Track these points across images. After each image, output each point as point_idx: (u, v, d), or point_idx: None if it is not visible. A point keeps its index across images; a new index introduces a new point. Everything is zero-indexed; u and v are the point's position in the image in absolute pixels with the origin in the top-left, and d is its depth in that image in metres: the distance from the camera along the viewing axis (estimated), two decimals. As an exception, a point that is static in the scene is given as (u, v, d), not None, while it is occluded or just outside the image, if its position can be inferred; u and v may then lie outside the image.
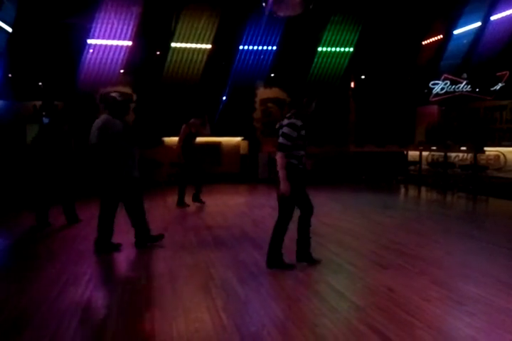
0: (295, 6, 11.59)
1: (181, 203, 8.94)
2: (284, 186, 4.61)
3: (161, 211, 8.57)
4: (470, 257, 5.30)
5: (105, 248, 5.61)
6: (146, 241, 5.83)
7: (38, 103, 13.05)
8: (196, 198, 9.13)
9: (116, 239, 5.72)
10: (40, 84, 13.23)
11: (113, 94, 5.86)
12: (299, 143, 4.70)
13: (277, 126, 4.86)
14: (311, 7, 11.83)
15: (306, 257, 4.99)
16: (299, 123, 4.68)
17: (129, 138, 5.63)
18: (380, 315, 3.59)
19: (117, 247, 5.69)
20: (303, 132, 4.72)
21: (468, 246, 5.78)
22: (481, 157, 11.56)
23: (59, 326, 3.42)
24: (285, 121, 4.71)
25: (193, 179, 9.03)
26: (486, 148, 11.15)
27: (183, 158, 8.79)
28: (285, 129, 4.64)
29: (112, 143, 5.48)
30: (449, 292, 4.10)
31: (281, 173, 4.63)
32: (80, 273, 4.72)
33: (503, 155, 11.67)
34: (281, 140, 4.65)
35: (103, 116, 5.61)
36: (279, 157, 4.66)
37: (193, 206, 9.01)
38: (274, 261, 4.83)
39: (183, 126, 8.80)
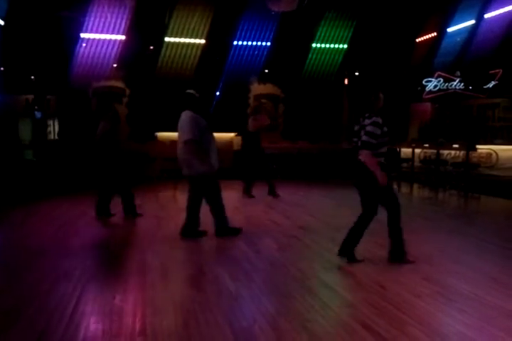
0: (290, 1, 11.57)
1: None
2: (382, 179, 4.65)
3: (153, 206, 8.54)
4: (461, 254, 5.33)
5: (192, 234, 5.93)
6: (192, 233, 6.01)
7: (30, 97, 12.96)
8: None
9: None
10: (32, 77, 13.13)
11: (190, 91, 6.00)
12: (382, 140, 4.73)
13: (356, 127, 4.90)
14: (305, 3, 11.82)
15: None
16: (380, 120, 4.71)
17: (211, 132, 5.93)
18: (371, 311, 3.60)
19: (203, 234, 6.00)
20: (385, 129, 4.75)
21: (459, 243, 5.81)
22: (473, 155, 11.61)
23: (49, 322, 3.41)
24: (366, 121, 4.73)
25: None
26: (478, 146, 11.20)
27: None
28: (369, 128, 4.67)
29: (203, 137, 5.72)
30: (440, 288, 4.11)
31: (374, 170, 4.66)
32: (72, 268, 4.70)
33: (495, 153, 11.73)
34: (365, 138, 4.67)
35: (188, 113, 5.81)
36: (365, 155, 4.69)
37: (184, 201, 8.99)
38: (348, 252, 4.91)
39: None
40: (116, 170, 7.15)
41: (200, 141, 5.70)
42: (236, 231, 6.07)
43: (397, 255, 4.85)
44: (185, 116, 5.83)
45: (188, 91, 6.03)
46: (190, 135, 5.65)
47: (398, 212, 4.84)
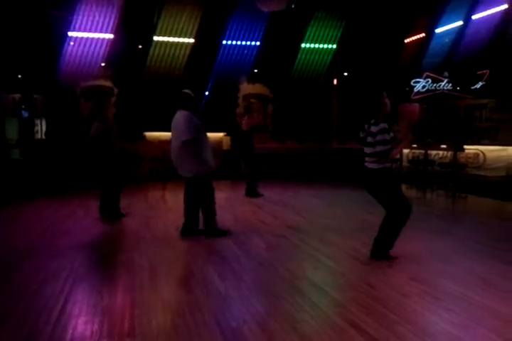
0: (279, 1, 11.58)
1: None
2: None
3: (142, 206, 8.51)
4: (449, 254, 5.36)
5: (192, 233, 5.97)
6: (193, 232, 6.02)
7: (17, 96, 12.83)
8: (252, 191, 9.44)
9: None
10: (19, 76, 13.00)
11: (187, 91, 5.96)
12: (392, 144, 4.78)
13: (362, 134, 4.92)
14: (294, 3, 11.84)
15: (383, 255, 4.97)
16: (387, 126, 4.76)
17: (205, 131, 5.92)
18: (360, 310, 3.61)
19: (226, 233, 6.05)
20: (392, 134, 4.80)
21: (447, 243, 5.84)
22: (461, 155, 11.67)
23: (36, 322, 3.38)
24: (373, 128, 4.74)
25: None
26: (465, 147, 11.27)
27: None
28: (379, 137, 4.71)
29: (197, 137, 5.68)
30: (428, 288, 4.14)
31: (398, 152, 4.97)
32: (59, 269, 4.67)
33: (482, 153, 11.81)
34: (380, 148, 4.71)
35: (183, 113, 5.77)
36: (383, 160, 4.77)
37: (172, 202, 8.96)
38: (381, 253, 4.91)
39: None
40: (110, 169, 7.11)
41: (197, 141, 5.68)
42: (224, 233, 6.05)
43: (381, 253, 4.91)
44: (181, 115, 5.77)
45: (185, 90, 6.01)
46: (189, 135, 5.61)
47: (407, 217, 4.91)
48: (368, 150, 4.88)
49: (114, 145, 7.33)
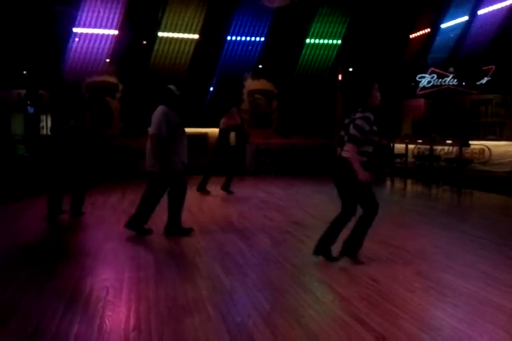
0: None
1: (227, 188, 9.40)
2: (363, 175, 4.44)
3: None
4: (454, 249, 5.36)
5: (176, 232, 5.84)
6: (175, 231, 5.91)
7: (23, 92, 12.86)
8: (226, 187, 9.42)
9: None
10: (24, 72, 13.03)
11: (171, 87, 5.93)
12: (370, 138, 4.53)
13: (346, 121, 4.72)
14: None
15: (352, 253, 4.79)
16: (372, 117, 4.51)
17: (183, 129, 5.88)
18: (365, 305, 3.62)
19: (188, 232, 5.92)
20: (375, 127, 4.54)
21: (452, 239, 5.84)
22: (466, 150, 11.65)
23: (42, 318, 3.40)
24: (358, 115, 4.55)
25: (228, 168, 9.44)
26: (471, 142, 11.24)
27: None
28: (358, 121, 4.47)
29: (173, 134, 5.66)
30: (433, 283, 4.14)
31: (355, 165, 4.45)
32: (64, 264, 4.69)
33: (488, 148, 11.78)
34: (353, 131, 4.47)
35: (162, 108, 5.77)
36: (350, 148, 4.49)
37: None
38: (323, 251, 4.77)
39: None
40: (71, 168, 7.03)
41: (167, 138, 5.62)
42: (187, 232, 5.92)
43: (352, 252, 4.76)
44: (158, 110, 5.77)
45: (169, 86, 5.95)
46: (157, 130, 5.60)
47: (372, 218, 4.66)
48: (346, 138, 4.62)
49: (84, 145, 7.18)
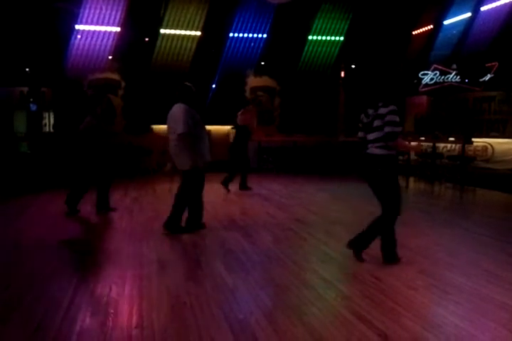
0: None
1: (245, 186, 9.40)
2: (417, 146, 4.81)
3: (150, 199, 8.55)
4: (457, 247, 5.36)
5: (176, 229, 5.84)
6: (196, 226, 5.98)
7: (25, 89, 12.88)
8: (244, 185, 9.44)
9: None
10: (27, 69, 13.05)
11: (188, 84, 5.93)
12: (401, 130, 4.46)
13: (366, 120, 4.56)
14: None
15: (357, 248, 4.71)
16: (396, 108, 4.39)
17: (203, 126, 5.95)
18: (367, 303, 3.62)
19: (185, 230, 5.94)
20: (398, 119, 4.44)
21: (455, 236, 5.84)
22: (469, 148, 11.63)
23: (45, 314, 3.41)
24: (383, 110, 4.39)
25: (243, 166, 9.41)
26: (473, 139, 11.21)
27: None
28: (389, 117, 4.33)
29: (195, 132, 5.69)
30: (435, 281, 4.14)
31: (407, 147, 4.84)
32: (68, 261, 4.70)
33: (491, 146, 11.75)
34: (389, 129, 4.33)
35: (181, 106, 5.75)
36: (399, 143, 4.50)
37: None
38: (355, 247, 4.69)
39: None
40: (96, 165, 7.03)
41: (194, 134, 5.67)
42: (184, 230, 5.94)
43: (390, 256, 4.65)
44: (178, 108, 5.74)
45: (186, 83, 5.97)
46: (186, 129, 5.59)
47: (393, 219, 4.55)
48: (372, 136, 4.49)
49: (105, 142, 7.19)
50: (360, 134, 4.71)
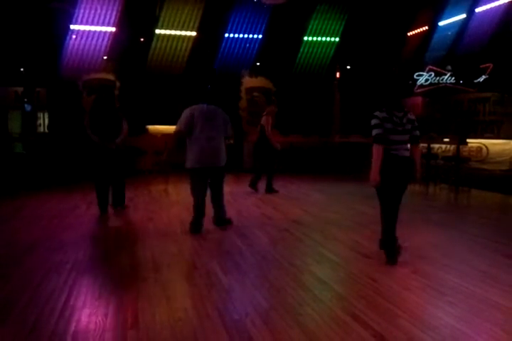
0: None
1: (270, 189, 9.29)
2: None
3: (145, 199, 8.53)
4: (452, 247, 5.37)
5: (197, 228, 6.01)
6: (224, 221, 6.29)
7: (20, 89, 12.83)
8: (270, 187, 9.37)
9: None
10: (21, 69, 13.00)
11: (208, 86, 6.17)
12: None
13: (389, 126, 4.61)
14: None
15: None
16: None
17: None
18: (363, 304, 3.62)
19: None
20: None
21: (450, 237, 5.85)
22: (464, 149, 11.65)
23: (40, 315, 3.40)
24: (411, 115, 4.77)
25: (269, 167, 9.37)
26: (468, 140, 11.24)
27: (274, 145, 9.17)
28: (416, 123, 4.78)
29: None
30: (431, 282, 4.15)
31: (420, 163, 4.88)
32: (63, 262, 4.68)
33: (486, 147, 11.79)
34: (418, 133, 4.79)
35: (220, 109, 6.08)
36: (419, 148, 4.91)
37: (175, 195, 8.98)
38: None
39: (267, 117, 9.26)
40: (115, 162, 7.21)
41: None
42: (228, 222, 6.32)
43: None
44: (220, 111, 6.04)
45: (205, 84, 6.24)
46: (231, 131, 6.15)
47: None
48: (402, 138, 4.67)
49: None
50: (379, 131, 4.61)
